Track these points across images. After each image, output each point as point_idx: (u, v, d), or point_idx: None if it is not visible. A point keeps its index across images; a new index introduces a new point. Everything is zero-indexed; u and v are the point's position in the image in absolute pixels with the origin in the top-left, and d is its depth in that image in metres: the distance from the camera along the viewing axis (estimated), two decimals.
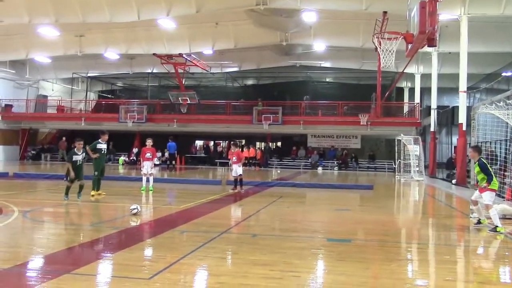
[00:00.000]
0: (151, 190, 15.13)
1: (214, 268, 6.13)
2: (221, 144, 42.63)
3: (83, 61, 37.89)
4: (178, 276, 5.67)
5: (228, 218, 11.18)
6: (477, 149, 9.75)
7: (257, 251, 7.01)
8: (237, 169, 16.01)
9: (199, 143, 43.99)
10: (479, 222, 9.49)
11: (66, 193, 12.19)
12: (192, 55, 33.09)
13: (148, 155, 15.56)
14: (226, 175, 21.24)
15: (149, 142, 16.04)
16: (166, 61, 33.27)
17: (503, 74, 29.36)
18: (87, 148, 13.07)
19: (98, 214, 11.25)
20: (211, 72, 38.74)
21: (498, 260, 7.30)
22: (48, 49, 34.73)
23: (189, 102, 35.90)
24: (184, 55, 32.46)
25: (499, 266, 6.91)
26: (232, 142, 19.46)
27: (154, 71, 39.43)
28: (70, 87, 43.65)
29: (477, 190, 9.36)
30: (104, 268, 6.18)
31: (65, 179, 15.05)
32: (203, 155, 39.96)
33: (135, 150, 35.18)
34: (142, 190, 15.31)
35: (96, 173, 13.27)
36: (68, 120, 38.87)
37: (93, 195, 12.96)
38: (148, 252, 7.16)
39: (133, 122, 36.03)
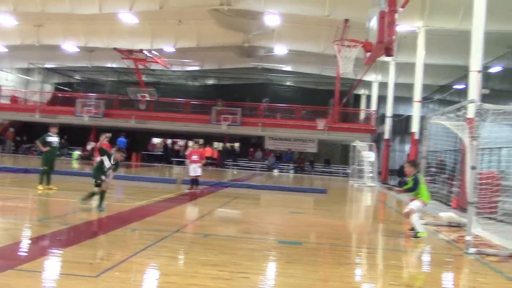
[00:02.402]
0: None
1: (164, 268, 6.08)
2: (179, 143, 42.33)
3: (40, 52, 36.79)
4: (127, 275, 5.59)
5: (181, 218, 11.11)
6: (413, 164, 9.96)
7: (208, 252, 7.00)
8: (197, 169, 15.89)
9: (156, 140, 43.54)
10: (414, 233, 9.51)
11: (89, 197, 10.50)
12: (153, 51, 32.74)
13: None
14: (183, 174, 21.08)
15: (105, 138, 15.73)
16: (126, 56, 32.80)
17: (454, 87, 30.37)
18: (37, 141, 12.71)
19: (47, 210, 10.98)
20: (172, 69, 38.44)
21: (442, 266, 7.54)
22: (4, 38, 33.58)
23: (148, 99, 35.53)
24: (145, 51, 32.08)
25: (442, 272, 7.14)
26: (193, 141, 19.26)
27: (114, 65, 38.77)
28: (26, 77, 42.34)
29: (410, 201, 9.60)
30: (50, 264, 6.02)
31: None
32: (160, 153, 39.55)
33: (90, 145, 34.47)
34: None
35: (45, 167, 12.92)
36: (22, 111, 37.72)
37: (41, 189, 12.62)
38: (97, 249, 7.03)
39: (89, 116, 35.32)
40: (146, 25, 30.30)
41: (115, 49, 32.07)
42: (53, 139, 13.19)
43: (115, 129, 32.62)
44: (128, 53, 32.58)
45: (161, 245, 7.18)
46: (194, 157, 15.91)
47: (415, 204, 9.27)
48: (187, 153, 18.93)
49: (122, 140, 29.56)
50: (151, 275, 5.91)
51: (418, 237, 9.04)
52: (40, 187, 12.76)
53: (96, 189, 10.21)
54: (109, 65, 39.33)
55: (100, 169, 10.34)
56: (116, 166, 10.45)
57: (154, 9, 26.14)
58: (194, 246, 7.48)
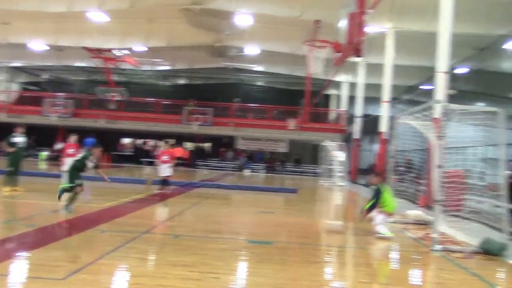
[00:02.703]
0: None
1: (133, 269, 6.04)
2: (149, 143, 41.94)
3: (7, 50, 35.78)
4: (95, 277, 5.53)
5: (151, 218, 11.03)
6: (378, 174, 10.12)
7: (178, 252, 6.97)
8: (167, 169, 15.76)
9: (126, 141, 43.03)
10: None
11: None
12: (123, 50, 32.33)
13: (71, 151, 15.01)
14: (153, 174, 20.89)
15: (72, 138, 15.49)
16: (96, 55, 32.30)
17: (422, 87, 30.98)
18: (2, 142, 12.44)
19: (13, 211, 10.74)
20: (142, 69, 38.05)
21: (409, 263, 7.69)
22: None
23: (118, 98, 35.10)
24: (115, 50, 31.66)
25: (409, 269, 7.28)
26: (164, 141, 19.03)
27: (83, 64, 38.09)
28: None
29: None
30: (16, 267, 5.91)
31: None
32: (130, 153, 39.12)
33: (58, 145, 33.83)
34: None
35: (11, 168, 12.64)
36: None
37: (7, 191, 12.34)
38: (65, 251, 6.92)
39: (58, 116, 34.69)
40: (116, 23, 29.84)
41: (84, 48, 31.54)
42: (19, 139, 12.91)
43: (84, 129, 32.19)
44: (97, 52, 32.09)
45: (130, 247, 7.12)
46: (165, 158, 15.78)
47: (378, 219, 9.40)
48: (157, 153, 18.74)
49: (90, 140, 29.07)
50: (120, 277, 5.86)
51: (385, 235, 9.20)
52: (6, 188, 12.47)
53: (77, 190, 10.15)
54: (78, 64, 38.61)
55: (75, 171, 10.25)
56: (96, 164, 10.44)
57: (125, 8, 25.82)
58: (164, 247, 7.44)
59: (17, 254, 6.48)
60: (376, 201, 9.46)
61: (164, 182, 15.74)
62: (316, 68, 23.65)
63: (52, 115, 34.74)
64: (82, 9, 26.17)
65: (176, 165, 19.40)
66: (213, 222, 10.49)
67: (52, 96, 37.79)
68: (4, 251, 6.68)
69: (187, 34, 30.43)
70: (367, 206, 9.62)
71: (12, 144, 12.73)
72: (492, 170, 10.21)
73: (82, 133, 23.12)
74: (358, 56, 14.24)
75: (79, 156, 10.75)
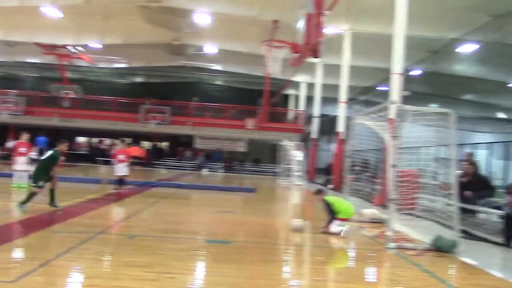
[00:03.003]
0: (24, 187, 14.15)
1: (87, 270, 5.90)
2: (105, 142, 41.13)
3: None
4: (47, 279, 5.38)
5: (106, 219, 10.81)
6: (317, 192, 10.25)
7: (134, 253, 6.86)
8: (123, 168, 15.47)
9: (82, 139, 42.03)
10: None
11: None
12: (78, 47, 31.55)
13: (22, 150, 14.57)
14: (108, 174, 20.49)
15: (24, 136, 15.04)
16: (49, 51, 31.39)
17: (378, 88, 31.62)
18: None
19: None
20: (98, 66, 37.25)
21: (364, 260, 7.83)
22: None
23: (72, 96, 34.26)
24: (69, 47, 30.87)
25: (365, 266, 7.42)
26: (120, 139, 18.61)
27: (36, 61, 36.95)
28: None
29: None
30: None
31: None
32: (85, 152, 38.27)
33: (9, 143, 32.70)
34: (14, 186, 14.30)
35: None
36: None
37: None
38: (16, 253, 6.70)
39: (8, 114, 33.56)
40: (70, 19, 29.00)
41: (36, 44, 30.60)
42: None
43: (37, 127, 31.29)
44: (51, 48, 31.20)
45: (84, 247, 6.96)
46: (121, 157, 15.49)
47: (334, 229, 9.47)
48: (113, 152, 18.36)
49: (42, 139, 28.30)
50: (73, 278, 5.71)
51: (341, 230, 9.31)
52: None
53: (35, 190, 9.88)
54: (30, 60, 37.41)
55: (43, 170, 10.02)
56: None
57: (79, 4, 25.19)
58: (119, 248, 7.30)
59: None
60: (331, 215, 9.60)
61: (120, 181, 15.45)
62: (274, 68, 23.75)
63: (2, 112, 33.60)
64: (35, 3, 25.36)
65: (133, 164, 19.13)
66: (171, 222, 10.38)
67: (3, 93, 36.44)
68: None
69: (144, 32, 29.93)
70: (328, 220, 9.70)
71: None
72: (444, 169, 10.50)
73: (35, 131, 22.48)
74: (316, 57, 14.38)
75: (48, 155, 10.49)
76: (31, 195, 9.92)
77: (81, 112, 34.85)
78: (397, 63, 15.62)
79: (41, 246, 7.14)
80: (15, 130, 32.43)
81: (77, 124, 35.22)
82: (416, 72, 28.05)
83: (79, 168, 29.65)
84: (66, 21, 28.56)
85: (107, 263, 6.49)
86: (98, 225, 9.20)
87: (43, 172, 10.14)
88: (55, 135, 29.08)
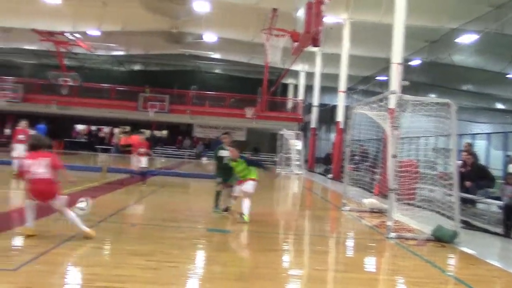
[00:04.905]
0: None
1: (89, 259, 5.90)
2: (104, 130, 41.12)
3: None
4: (48, 267, 5.37)
5: (107, 207, 10.77)
6: (237, 146, 9.68)
7: (135, 241, 6.88)
8: (144, 160, 14.67)
9: (80, 127, 41.98)
10: (226, 209, 9.74)
11: None
12: (76, 34, 31.35)
13: (21, 137, 14.52)
14: (108, 162, 20.50)
15: (23, 123, 14.98)
16: (46, 38, 31.19)
17: (377, 78, 31.54)
18: None
19: None
20: (96, 54, 37.08)
21: (364, 250, 7.86)
22: None
23: (70, 83, 34.12)
24: (67, 34, 30.67)
25: (365, 256, 7.45)
26: (139, 132, 17.44)
27: (34, 47, 36.73)
28: None
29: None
30: None
31: None
32: (83, 140, 38.24)
33: (7, 131, 32.68)
34: (15, 174, 14.26)
35: None
36: None
37: None
38: (17, 241, 6.69)
39: (6, 101, 33.44)
40: (68, 6, 28.81)
41: (33, 30, 30.37)
42: None
43: (35, 114, 31.17)
44: (48, 35, 30.99)
45: (85, 236, 6.95)
46: (142, 150, 14.73)
47: (250, 188, 9.16)
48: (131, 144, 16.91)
49: (41, 127, 28.21)
50: (74, 267, 5.72)
51: (244, 219, 8.94)
52: None
53: None
54: (28, 47, 37.16)
55: None
56: None
57: None
58: (121, 236, 7.32)
59: None
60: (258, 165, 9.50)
61: (143, 174, 14.90)
62: (273, 57, 23.67)
63: (0, 99, 33.46)
64: None
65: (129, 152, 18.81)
66: (171, 211, 10.39)
67: (0, 80, 36.31)
68: None
69: (142, 19, 29.72)
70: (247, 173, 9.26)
71: None
72: (443, 159, 10.51)
73: (33, 118, 22.42)
74: (316, 45, 14.39)
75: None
76: None
77: (79, 99, 34.71)
78: (397, 53, 15.60)
79: (42, 234, 7.12)
80: (13, 118, 32.38)
81: (75, 111, 35.10)
82: (415, 62, 27.99)
83: (78, 156, 29.61)
84: (64, 7, 28.36)
85: (109, 252, 6.49)
86: (99, 213, 9.17)
87: None
88: (54, 122, 29.06)
